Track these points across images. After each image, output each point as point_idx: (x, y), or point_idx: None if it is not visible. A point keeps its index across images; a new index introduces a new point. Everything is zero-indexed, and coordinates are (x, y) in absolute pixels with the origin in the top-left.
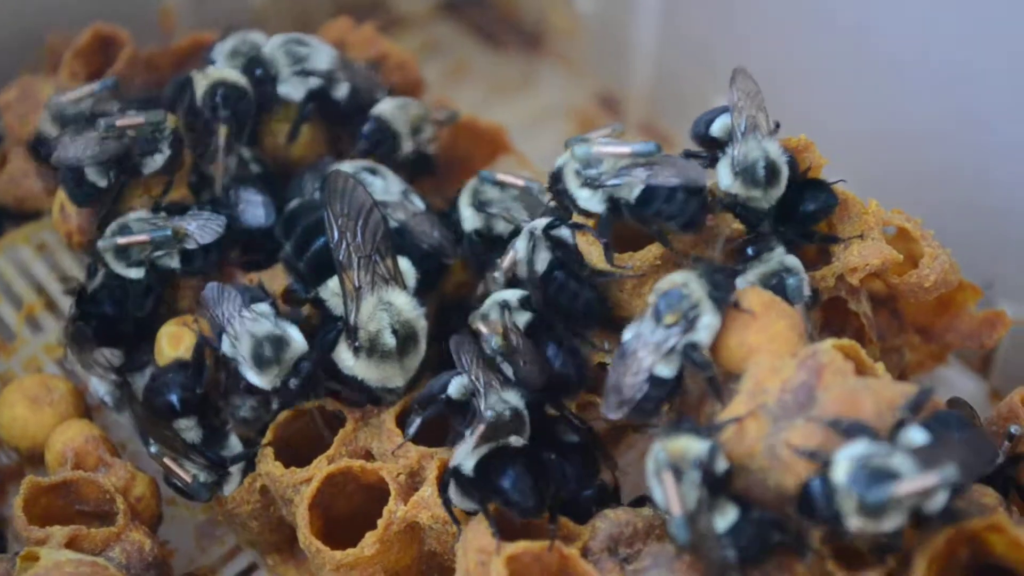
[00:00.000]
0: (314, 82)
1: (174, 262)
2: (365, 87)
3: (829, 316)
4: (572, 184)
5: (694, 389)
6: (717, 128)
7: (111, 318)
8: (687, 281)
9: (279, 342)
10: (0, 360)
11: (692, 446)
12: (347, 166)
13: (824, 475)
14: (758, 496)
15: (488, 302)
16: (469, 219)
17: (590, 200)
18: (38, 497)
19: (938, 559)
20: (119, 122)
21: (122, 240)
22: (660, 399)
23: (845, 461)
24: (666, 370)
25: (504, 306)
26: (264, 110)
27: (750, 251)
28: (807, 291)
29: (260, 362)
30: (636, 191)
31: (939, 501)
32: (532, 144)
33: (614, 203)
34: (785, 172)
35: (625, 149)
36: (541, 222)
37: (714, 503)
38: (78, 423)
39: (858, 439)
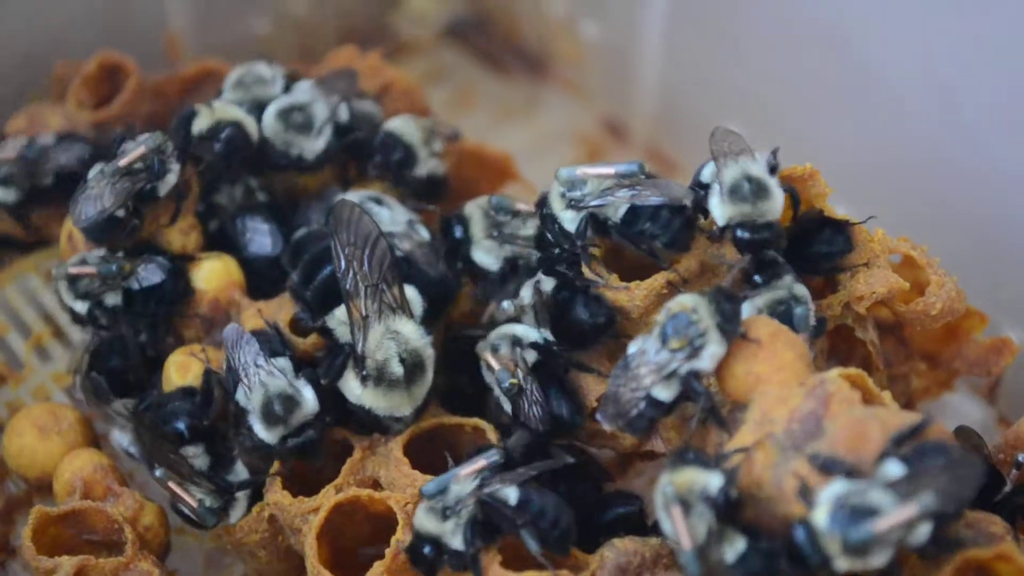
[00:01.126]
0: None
1: (116, 300)
2: (363, 110)
3: (836, 344)
4: (557, 206)
5: (699, 415)
6: (706, 174)
7: (119, 370)
8: (696, 307)
9: (290, 401)
10: (8, 389)
11: (699, 478)
12: (353, 196)
13: (806, 521)
14: (766, 525)
15: (498, 333)
16: (490, 254)
17: (574, 222)
18: (47, 527)
19: None
20: (123, 162)
21: (73, 269)
22: (654, 419)
23: (825, 504)
24: (664, 393)
25: (516, 342)
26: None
27: (758, 278)
28: (813, 321)
29: (268, 418)
30: (621, 211)
31: (924, 532)
32: (537, 169)
33: (600, 223)
34: (774, 188)
35: (608, 170)
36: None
37: (723, 534)
38: (86, 452)
39: (836, 478)
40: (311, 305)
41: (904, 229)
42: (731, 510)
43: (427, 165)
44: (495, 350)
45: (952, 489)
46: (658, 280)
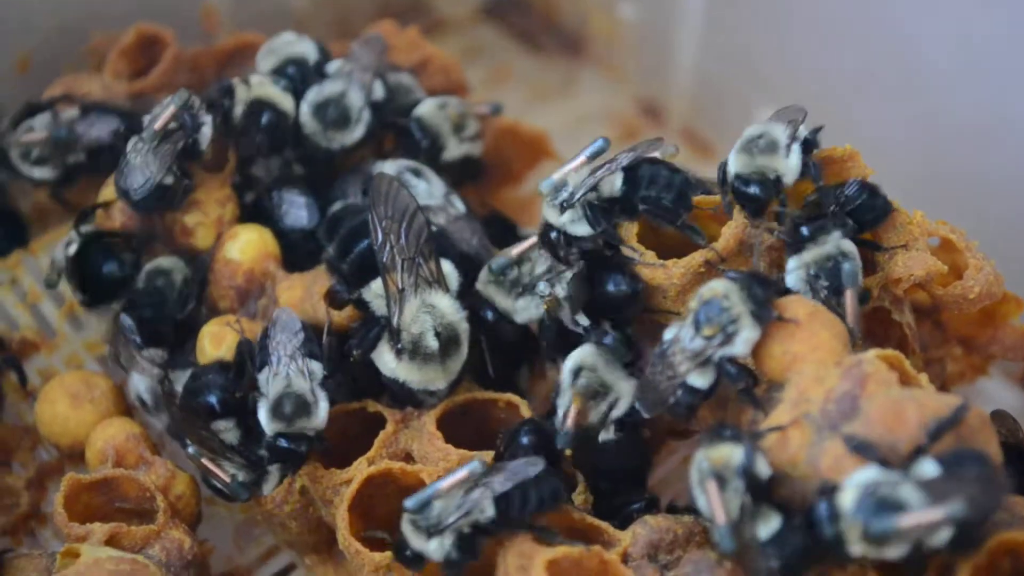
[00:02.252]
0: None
1: (78, 158)
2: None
3: (872, 326)
4: (554, 217)
5: (734, 394)
6: None
7: (151, 320)
8: (728, 293)
9: (304, 407)
10: (41, 356)
11: (735, 454)
12: (390, 167)
13: (831, 499)
14: (800, 505)
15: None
16: (528, 312)
17: (577, 221)
18: (79, 494)
19: (980, 570)
20: (157, 125)
21: (24, 138)
22: (693, 405)
23: (853, 488)
24: (700, 380)
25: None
26: None
27: (805, 231)
28: (861, 280)
29: (276, 411)
30: (617, 185)
31: (944, 536)
32: (573, 150)
33: (606, 208)
34: (784, 148)
35: (580, 159)
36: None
37: (757, 511)
38: (119, 421)
39: (869, 464)
40: (347, 278)
41: (943, 212)
42: (766, 488)
43: (459, 149)
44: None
45: (982, 500)
46: (695, 259)
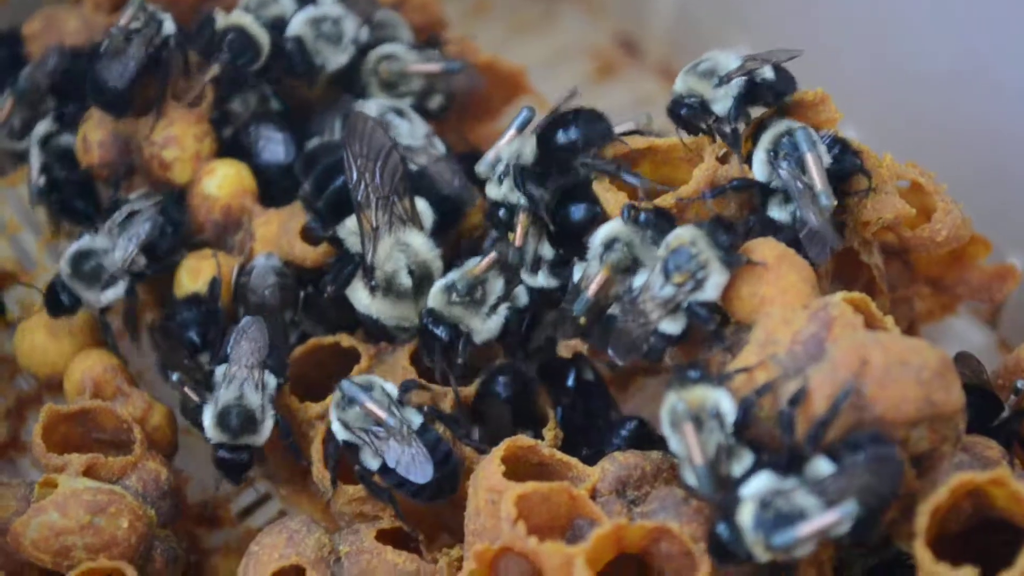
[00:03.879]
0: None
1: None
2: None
3: (840, 267)
4: (494, 192)
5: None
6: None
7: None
8: (695, 240)
9: (251, 422)
10: (21, 288)
11: (709, 395)
12: (374, 105)
13: (729, 518)
14: (766, 444)
15: None
16: (493, 322)
17: (515, 190)
18: (57, 425)
19: (941, 510)
20: (122, 22)
21: None
22: (663, 349)
23: (750, 503)
24: (672, 326)
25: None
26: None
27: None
28: (821, 142)
29: (222, 422)
30: (529, 150)
31: (845, 528)
32: (551, 85)
33: (536, 173)
34: (728, 77)
35: (509, 132)
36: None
37: (731, 450)
38: (97, 352)
39: (763, 472)
40: (322, 215)
41: (912, 155)
42: (742, 428)
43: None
44: None
45: (876, 488)
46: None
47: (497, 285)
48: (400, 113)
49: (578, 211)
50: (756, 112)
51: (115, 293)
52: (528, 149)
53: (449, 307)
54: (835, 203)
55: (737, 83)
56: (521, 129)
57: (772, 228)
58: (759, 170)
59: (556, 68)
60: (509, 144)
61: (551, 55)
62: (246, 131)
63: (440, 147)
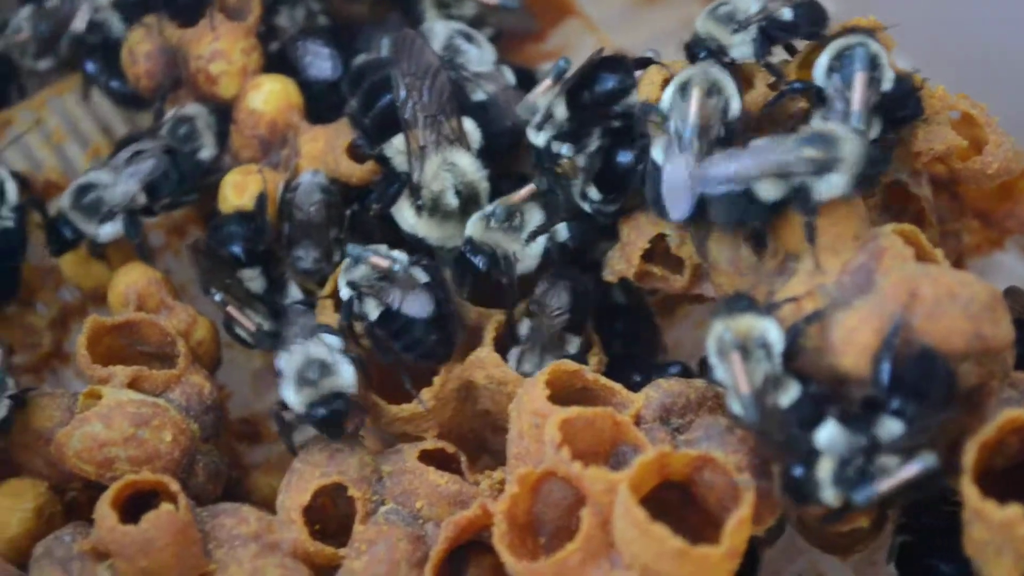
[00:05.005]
0: None
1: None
2: None
3: (889, 199)
4: (533, 138)
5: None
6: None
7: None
8: (836, 129)
9: (326, 368)
10: None
11: (756, 324)
12: (443, 28)
13: (808, 465)
14: (812, 374)
15: None
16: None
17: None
18: (101, 336)
19: (988, 446)
20: None
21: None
22: (733, 217)
23: (828, 459)
24: (772, 191)
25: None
26: None
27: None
28: (884, 70)
29: (301, 381)
30: (560, 109)
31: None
32: (597, 6)
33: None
34: (746, 21)
35: (546, 82)
36: None
37: (777, 380)
38: (141, 265)
39: (833, 427)
40: (369, 132)
41: (963, 87)
42: (789, 357)
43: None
44: None
45: (944, 426)
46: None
47: (535, 215)
48: (469, 38)
49: (624, 157)
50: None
51: (113, 228)
52: (560, 110)
53: (487, 232)
54: (863, 128)
55: (755, 27)
56: (557, 79)
57: None
58: (818, 75)
59: None
60: (545, 94)
61: None
62: (293, 46)
63: (509, 76)
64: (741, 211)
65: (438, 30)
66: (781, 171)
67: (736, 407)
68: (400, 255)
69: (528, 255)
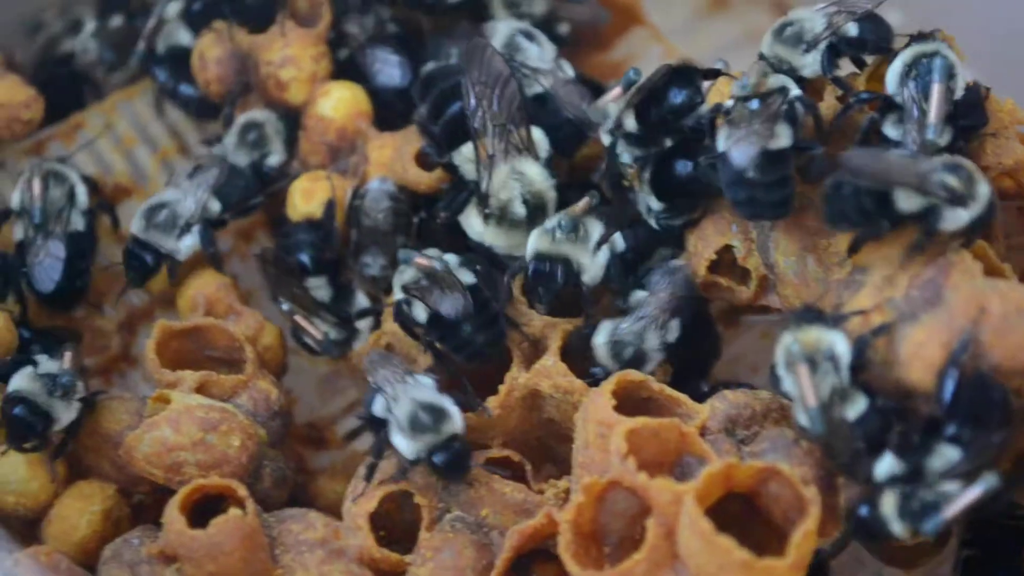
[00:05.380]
0: None
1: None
2: None
3: None
4: (606, 142)
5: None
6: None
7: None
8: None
9: (439, 412)
10: (134, 201)
11: (824, 337)
12: (504, 27)
13: (872, 503)
14: (879, 388)
15: None
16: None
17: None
18: (169, 340)
19: None
20: None
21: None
22: (850, 217)
23: (891, 495)
24: (910, 203)
25: None
26: None
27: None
28: (959, 79)
29: (415, 428)
30: (629, 121)
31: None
32: (664, 16)
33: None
34: (814, 40)
35: (616, 89)
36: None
37: (845, 393)
38: (209, 270)
39: (891, 460)
40: (438, 140)
41: None
42: (856, 371)
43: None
44: None
45: (1001, 449)
46: None
47: (596, 226)
48: (529, 36)
49: (683, 167)
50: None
51: (192, 241)
52: (629, 122)
53: (555, 244)
54: (941, 143)
55: (822, 47)
56: (626, 89)
57: (883, 142)
58: (891, 80)
59: None
60: (616, 101)
61: None
62: (362, 53)
63: (569, 70)
64: (865, 213)
65: (500, 28)
66: (922, 187)
67: (803, 419)
68: (450, 257)
69: (595, 265)
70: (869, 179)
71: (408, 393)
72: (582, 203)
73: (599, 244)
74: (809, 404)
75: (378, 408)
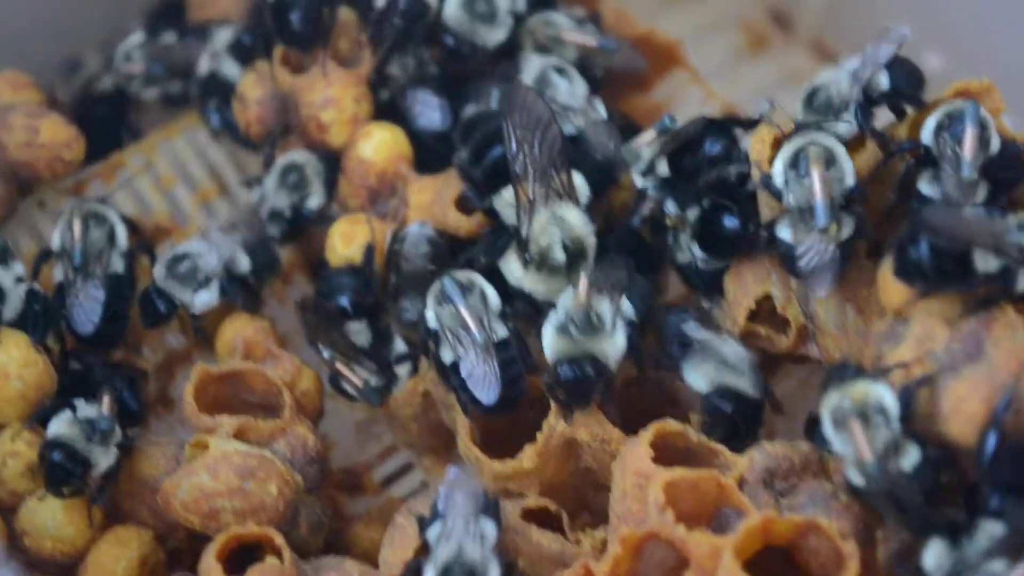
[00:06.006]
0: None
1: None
2: None
3: None
4: (640, 184)
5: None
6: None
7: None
8: None
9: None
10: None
11: (871, 390)
12: (537, 61)
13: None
14: (921, 440)
15: None
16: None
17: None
18: (207, 384)
19: None
20: None
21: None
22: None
23: (933, 556)
24: (988, 264)
25: None
26: None
27: None
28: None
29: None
30: (662, 167)
31: None
32: (703, 57)
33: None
34: (846, 103)
35: (651, 133)
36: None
37: (898, 445)
38: (247, 313)
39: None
40: (478, 184)
41: None
42: (908, 422)
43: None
44: None
45: None
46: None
47: (604, 306)
48: (561, 72)
49: (731, 222)
50: None
51: (209, 297)
52: (662, 167)
53: (577, 345)
54: (976, 179)
55: (854, 108)
56: (661, 133)
57: (919, 199)
58: (926, 135)
59: (708, 40)
60: (649, 145)
61: (703, 26)
62: (403, 95)
63: (600, 110)
64: (944, 272)
65: (532, 63)
66: (999, 247)
67: (855, 477)
68: (490, 293)
69: (617, 347)
70: (948, 238)
71: (458, 539)
72: (581, 288)
73: (614, 321)
74: (866, 459)
75: (431, 535)
